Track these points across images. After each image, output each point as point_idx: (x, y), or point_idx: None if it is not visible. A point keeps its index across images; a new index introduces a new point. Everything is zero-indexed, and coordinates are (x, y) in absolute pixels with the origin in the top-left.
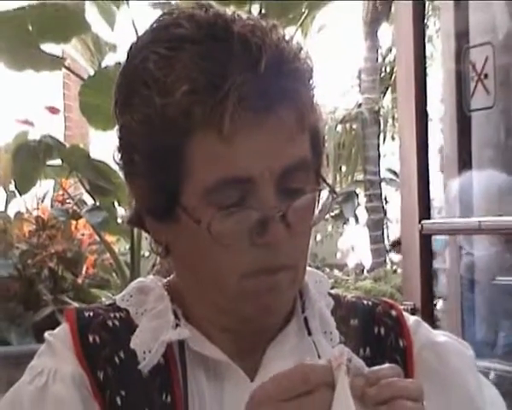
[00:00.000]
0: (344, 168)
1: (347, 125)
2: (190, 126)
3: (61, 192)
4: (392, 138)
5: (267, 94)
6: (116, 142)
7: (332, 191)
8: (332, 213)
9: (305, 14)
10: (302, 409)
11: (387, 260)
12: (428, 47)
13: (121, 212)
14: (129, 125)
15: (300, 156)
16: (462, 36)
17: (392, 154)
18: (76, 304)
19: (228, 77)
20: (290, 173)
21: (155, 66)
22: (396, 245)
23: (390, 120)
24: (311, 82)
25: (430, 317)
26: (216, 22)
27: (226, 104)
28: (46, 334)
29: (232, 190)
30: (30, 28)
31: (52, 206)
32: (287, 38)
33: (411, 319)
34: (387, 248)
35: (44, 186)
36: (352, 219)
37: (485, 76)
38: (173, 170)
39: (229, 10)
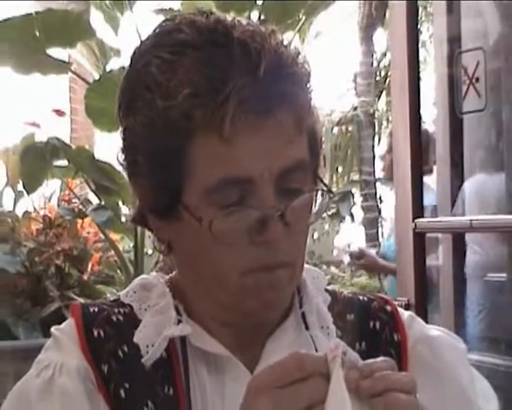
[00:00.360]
0: (340, 169)
1: (343, 128)
2: (192, 129)
3: (67, 192)
4: None
5: (266, 97)
6: (120, 143)
7: (329, 191)
8: (329, 212)
9: (302, 20)
10: (297, 395)
11: None
12: (422, 52)
13: (125, 211)
14: (132, 128)
15: (298, 158)
16: (454, 41)
17: None
18: (82, 300)
19: (228, 81)
20: (289, 174)
21: (158, 70)
22: (357, 258)
23: (384, 123)
24: (308, 86)
25: (423, 312)
26: (216, 28)
27: (227, 107)
28: (53, 329)
29: (232, 190)
30: (37, 34)
31: (59, 205)
32: (285, 43)
33: (405, 314)
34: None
35: (51, 186)
36: (348, 218)
37: (477, 80)
38: (175, 170)
39: (230, 16)
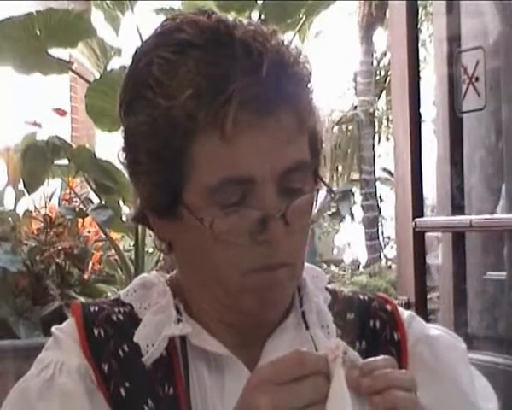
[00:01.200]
0: (340, 168)
1: (343, 127)
2: (194, 128)
3: (68, 191)
4: (387, 139)
5: (268, 97)
6: (121, 142)
7: (329, 191)
8: (329, 211)
9: (302, 20)
10: (297, 393)
11: (382, 256)
12: (421, 51)
13: (126, 210)
14: (134, 127)
15: (300, 158)
16: (454, 40)
17: (387, 154)
18: (82, 299)
19: (230, 81)
20: (290, 174)
21: (160, 69)
22: None
23: (385, 122)
24: (309, 86)
25: (423, 311)
26: (218, 28)
27: (229, 107)
28: (53, 328)
29: (234, 190)
30: (38, 33)
31: (59, 204)
32: (286, 43)
33: (405, 314)
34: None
35: (52, 185)
36: (348, 217)
37: (476, 79)
38: (176, 170)
39: (231, 16)
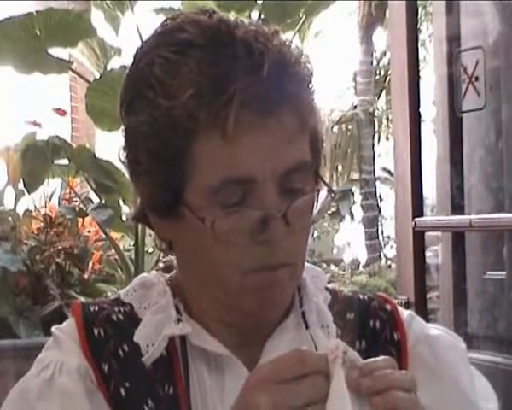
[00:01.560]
0: (340, 167)
1: (343, 126)
2: (195, 128)
3: (68, 191)
4: (387, 139)
5: (269, 97)
6: (122, 142)
7: (330, 191)
8: (329, 211)
9: (302, 20)
10: (297, 392)
11: (382, 256)
12: (421, 51)
13: (126, 209)
14: (134, 126)
15: (301, 158)
16: (453, 40)
17: (387, 153)
18: (82, 298)
19: (232, 81)
20: (291, 174)
21: (161, 69)
22: None
23: (384, 121)
24: (311, 86)
25: (423, 310)
26: (219, 27)
27: (230, 107)
28: (53, 328)
29: (235, 190)
30: (38, 33)
31: (59, 204)
32: (288, 43)
33: (405, 313)
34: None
35: (52, 185)
36: (347, 217)
37: (476, 79)
38: (178, 170)
39: (232, 16)
